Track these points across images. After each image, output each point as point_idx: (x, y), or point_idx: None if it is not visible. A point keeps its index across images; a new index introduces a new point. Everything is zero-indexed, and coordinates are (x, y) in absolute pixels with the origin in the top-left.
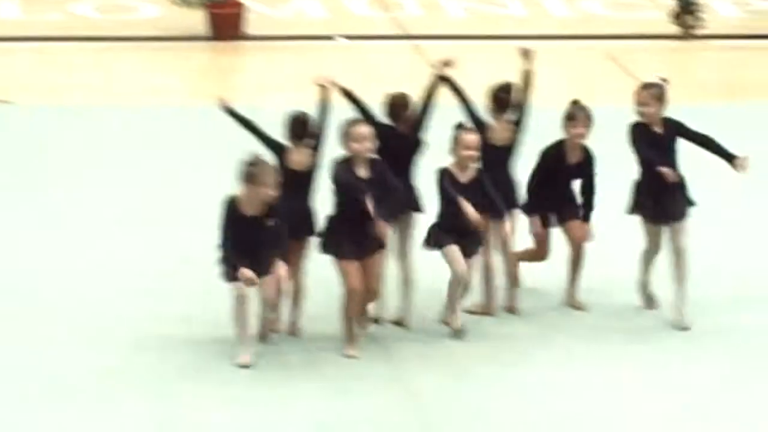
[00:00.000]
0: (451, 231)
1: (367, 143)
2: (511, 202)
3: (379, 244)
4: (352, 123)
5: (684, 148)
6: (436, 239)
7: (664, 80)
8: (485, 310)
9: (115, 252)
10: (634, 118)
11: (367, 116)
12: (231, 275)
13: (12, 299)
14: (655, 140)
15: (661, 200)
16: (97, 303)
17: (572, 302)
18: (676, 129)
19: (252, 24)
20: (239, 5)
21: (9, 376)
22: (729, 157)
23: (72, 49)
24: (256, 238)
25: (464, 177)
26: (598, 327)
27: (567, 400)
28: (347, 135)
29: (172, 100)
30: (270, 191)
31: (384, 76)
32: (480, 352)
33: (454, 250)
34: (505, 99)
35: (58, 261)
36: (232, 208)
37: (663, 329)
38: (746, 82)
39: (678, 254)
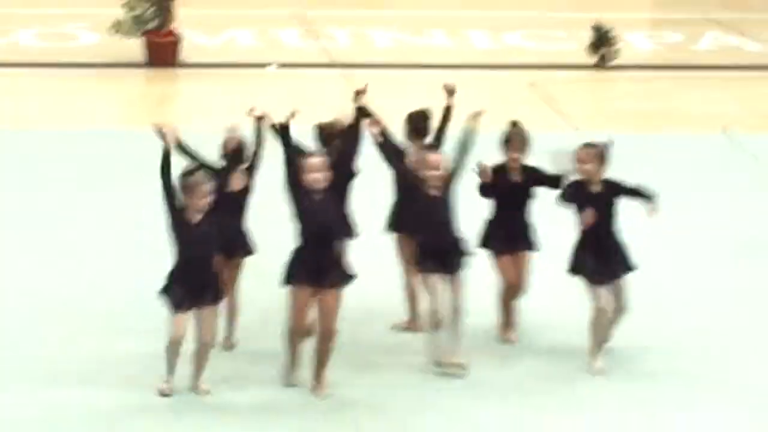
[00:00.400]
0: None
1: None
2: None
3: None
4: (307, 155)
5: None
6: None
7: (610, 141)
8: (411, 326)
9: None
10: (554, 141)
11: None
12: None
13: None
14: (591, 199)
15: (599, 260)
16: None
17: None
18: (615, 189)
19: (187, 52)
20: (175, 34)
21: None
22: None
23: (15, 74)
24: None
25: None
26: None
27: None
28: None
29: (106, 124)
30: (206, 199)
31: (314, 103)
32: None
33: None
34: (422, 126)
35: None
36: (178, 217)
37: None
38: (657, 112)
39: (617, 312)
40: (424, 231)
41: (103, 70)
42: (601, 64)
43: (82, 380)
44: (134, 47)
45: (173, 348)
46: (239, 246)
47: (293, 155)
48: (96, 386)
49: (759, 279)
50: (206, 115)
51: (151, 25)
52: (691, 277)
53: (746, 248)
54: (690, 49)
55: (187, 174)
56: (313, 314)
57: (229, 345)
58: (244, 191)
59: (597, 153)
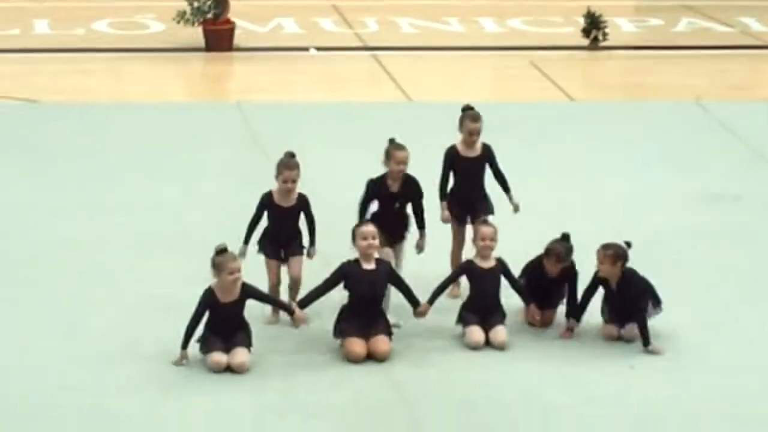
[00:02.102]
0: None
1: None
2: None
3: None
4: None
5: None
6: None
7: (628, 244)
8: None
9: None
10: (552, 114)
11: None
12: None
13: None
14: (611, 294)
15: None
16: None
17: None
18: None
19: (240, 38)
20: (230, 22)
21: None
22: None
23: (91, 59)
24: (233, 322)
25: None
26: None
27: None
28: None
29: (174, 99)
30: (232, 278)
31: (347, 80)
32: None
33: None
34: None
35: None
36: (207, 297)
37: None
38: (641, 84)
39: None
40: None
41: (169, 54)
42: (593, 45)
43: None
44: (195, 35)
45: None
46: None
47: None
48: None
49: (720, 223)
50: (257, 91)
51: (209, 15)
52: (664, 220)
53: (713, 199)
54: (668, 31)
55: (216, 253)
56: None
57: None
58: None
59: (612, 255)
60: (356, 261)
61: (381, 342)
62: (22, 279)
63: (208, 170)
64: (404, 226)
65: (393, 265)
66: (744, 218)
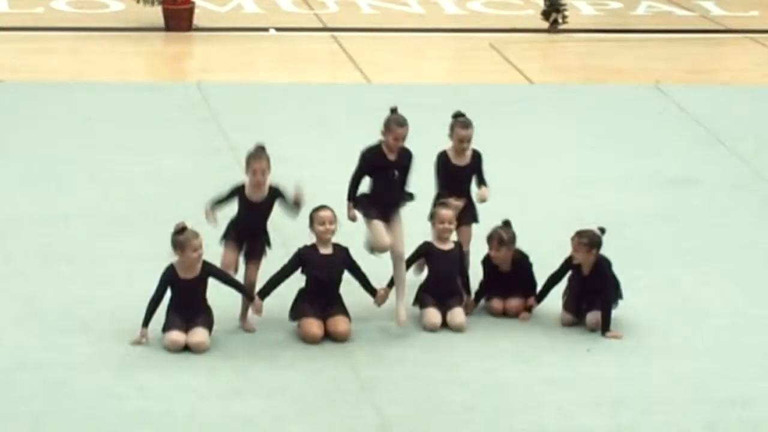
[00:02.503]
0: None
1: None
2: None
3: None
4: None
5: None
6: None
7: (602, 230)
8: None
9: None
10: (511, 96)
11: None
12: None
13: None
14: (580, 280)
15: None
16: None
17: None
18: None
19: (199, 18)
20: (190, 2)
21: None
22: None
23: (51, 37)
24: (194, 297)
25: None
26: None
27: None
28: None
29: (134, 78)
30: (196, 254)
31: (307, 60)
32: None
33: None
34: None
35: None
36: (168, 274)
37: None
38: (601, 67)
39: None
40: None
41: (129, 34)
42: (552, 29)
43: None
44: (155, 14)
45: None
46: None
47: None
48: None
49: (678, 204)
50: (217, 71)
51: None
52: (623, 201)
53: (673, 184)
54: (628, 14)
55: (177, 232)
56: None
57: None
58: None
59: (587, 242)
60: (313, 246)
61: (340, 322)
62: None
63: (168, 148)
64: (401, 196)
65: (393, 238)
66: (701, 200)
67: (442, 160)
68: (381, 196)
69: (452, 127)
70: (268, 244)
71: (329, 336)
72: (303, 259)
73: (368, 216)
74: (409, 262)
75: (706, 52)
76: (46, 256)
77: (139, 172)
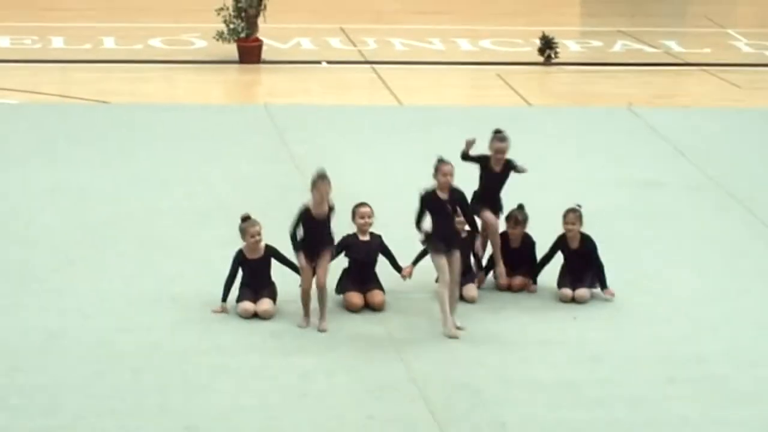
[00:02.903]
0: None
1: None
2: None
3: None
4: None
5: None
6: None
7: (579, 206)
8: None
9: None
10: (514, 116)
11: None
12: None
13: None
14: (571, 254)
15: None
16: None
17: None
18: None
19: (267, 53)
20: (259, 40)
21: None
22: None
23: (148, 68)
24: (260, 274)
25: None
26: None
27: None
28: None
29: (214, 101)
30: (254, 239)
31: (351, 87)
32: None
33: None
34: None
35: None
36: (238, 255)
37: None
38: (585, 93)
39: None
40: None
41: (210, 66)
42: (547, 62)
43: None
44: (231, 50)
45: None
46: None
47: None
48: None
49: (647, 204)
50: (280, 95)
51: (242, 35)
52: (602, 201)
53: (643, 186)
54: (607, 51)
55: (241, 221)
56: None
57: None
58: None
59: (579, 216)
60: (354, 234)
61: (377, 295)
62: (99, 241)
63: (240, 156)
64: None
65: (452, 275)
66: (665, 199)
67: (485, 168)
68: (440, 232)
69: (491, 141)
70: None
71: (368, 306)
72: (346, 244)
73: (435, 251)
74: (421, 255)
75: (670, 80)
76: (144, 242)
77: (218, 175)
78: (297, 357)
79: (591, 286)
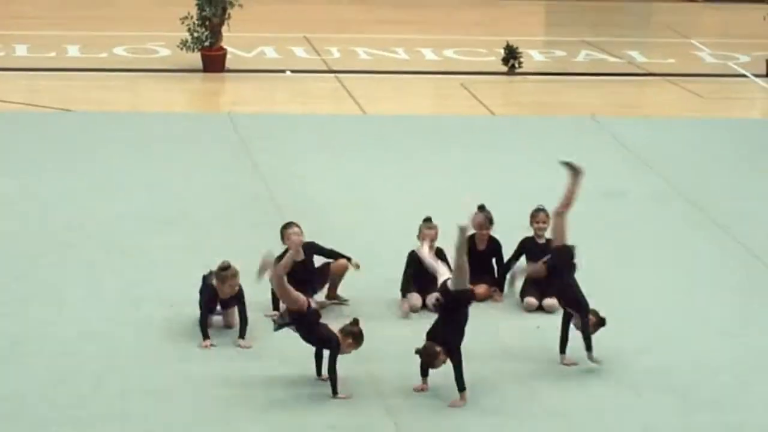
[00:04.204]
0: None
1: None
2: None
3: None
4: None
5: None
6: None
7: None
8: None
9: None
10: (477, 125)
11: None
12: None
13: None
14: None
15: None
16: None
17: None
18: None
19: (231, 62)
20: (223, 49)
21: None
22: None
23: (112, 77)
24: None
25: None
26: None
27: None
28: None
29: (177, 109)
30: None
31: (315, 96)
32: None
33: None
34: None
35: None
36: (209, 290)
37: None
38: (548, 102)
39: None
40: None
41: (174, 74)
42: (510, 72)
43: None
44: (195, 59)
45: None
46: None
47: None
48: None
49: (610, 212)
50: (243, 104)
51: (206, 44)
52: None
53: (606, 196)
54: (570, 61)
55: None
56: None
57: None
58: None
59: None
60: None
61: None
62: (61, 247)
63: (204, 164)
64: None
65: None
66: (627, 208)
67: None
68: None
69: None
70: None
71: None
72: (415, 257)
73: None
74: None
75: (633, 91)
76: (106, 249)
77: (181, 183)
78: (260, 364)
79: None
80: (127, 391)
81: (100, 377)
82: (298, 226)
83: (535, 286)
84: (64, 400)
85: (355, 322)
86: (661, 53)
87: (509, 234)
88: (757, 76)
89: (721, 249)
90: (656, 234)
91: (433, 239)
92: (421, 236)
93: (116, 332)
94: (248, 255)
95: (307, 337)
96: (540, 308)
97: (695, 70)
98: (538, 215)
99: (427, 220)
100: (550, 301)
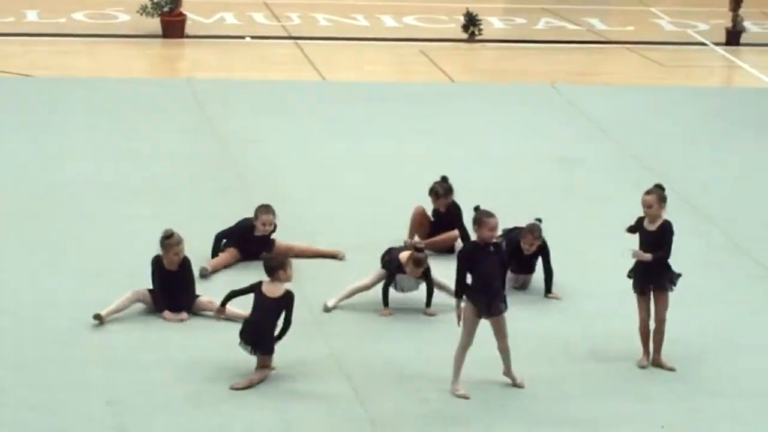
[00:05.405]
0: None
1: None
2: None
3: None
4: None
5: None
6: None
7: (539, 220)
8: None
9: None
10: (437, 92)
11: None
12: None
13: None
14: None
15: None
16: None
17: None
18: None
19: (190, 28)
20: (183, 15)
21: None
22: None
23: (72, 42)
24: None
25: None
26: None
27: None
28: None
29: (138, 75)
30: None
31: (275, 62)
32: None
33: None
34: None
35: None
36: (155, 263)
37: None
38: (508, 70)
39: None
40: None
41: (134, 40)
42: (470, 39)
43: None
44: (155, 24)
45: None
46: None
47: None
48: None
49: (567, 175)
50: (203, 70)
51: (166, 9)
52: (525, 176)
53: (562, 158)
54: (530, 28)
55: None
56: None
57: None
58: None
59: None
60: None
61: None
62: (25, 213)
63: (163, 129)
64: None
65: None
66: (584, 173)
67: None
68: (487, 283)
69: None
70: None
71: None
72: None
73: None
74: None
75: (592, 58)
76: (70, 216)
77: (142, 149)
78: (221, 335)
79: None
80: (88, 359)
81: (62, 345)
82: (273, 212)
83: (516, 266)
84: (27, 366)
85: (419, 248)
86: (621, 21)
87: (470, 202)
88: (716, 44)
89: (676, 217)
90: (609, 194)
91: (422, 264)
92: (408, 261)
93: (81, 301)
94: (212, 221)
95: None
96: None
97: (655, 38)
98: (525, 237)
99: (419, 249)
100: (527, 277)
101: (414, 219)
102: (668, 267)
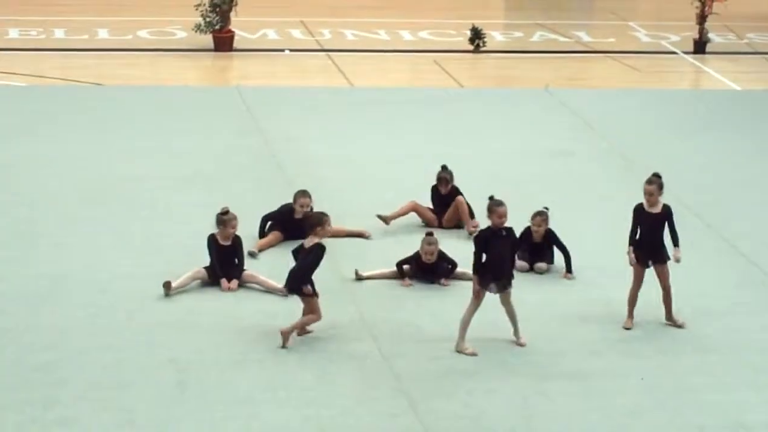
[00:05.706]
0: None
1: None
2: None
3: None
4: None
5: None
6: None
7: (546, 208)
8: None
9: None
10: (448, 96)
11: None
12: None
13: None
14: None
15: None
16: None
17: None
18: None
19: (238, 42)
20: (231, 32)
21: None
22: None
23: (136, 56)
24: (228, 258)
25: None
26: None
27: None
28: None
29: (192, 84)
30: (233, 230)
31: (310, 71)
32: None
33: None
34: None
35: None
36: (211, 240)
37: None
38: (508, 76)
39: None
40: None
41: (189, 53)
42: (476, 50)
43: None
44: (207, 40)
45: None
46: None
47: None
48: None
49: (560, 169)
50: (249, 79)
51: (216, 27)
52: (524, 168)
53: (555, 152)
54: (527, 41)
55: (221, 214)
56: None
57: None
58: None
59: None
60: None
61: None
62: (95, 201)
63: (215, 130)
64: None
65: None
66: (575, 166)
67: (638, 209)
68: (498, 265)
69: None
70: None
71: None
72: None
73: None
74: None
75: (580, 66)
76: (132, 203)
77: (196, 146)
78: (264, 304)
79: (550, 262)
80: (153, 324)
81: (130, 312)
82: (309, 196)
83: (528, 254)
84: (101, 330)
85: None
86: (604, 34)
87: (475, 192)
88: (685, 53)
89: None
90: (597, 184)
91: (432, 254)
92: (422, 251)
93: (143, 275)
94: (257, 207)
95: None
96: (531, 269)
97: (633, 48)
98: (534, 218)
99: (429, 234)
100: (541, 265)
101: (408, 209)
102: (663, 244)
